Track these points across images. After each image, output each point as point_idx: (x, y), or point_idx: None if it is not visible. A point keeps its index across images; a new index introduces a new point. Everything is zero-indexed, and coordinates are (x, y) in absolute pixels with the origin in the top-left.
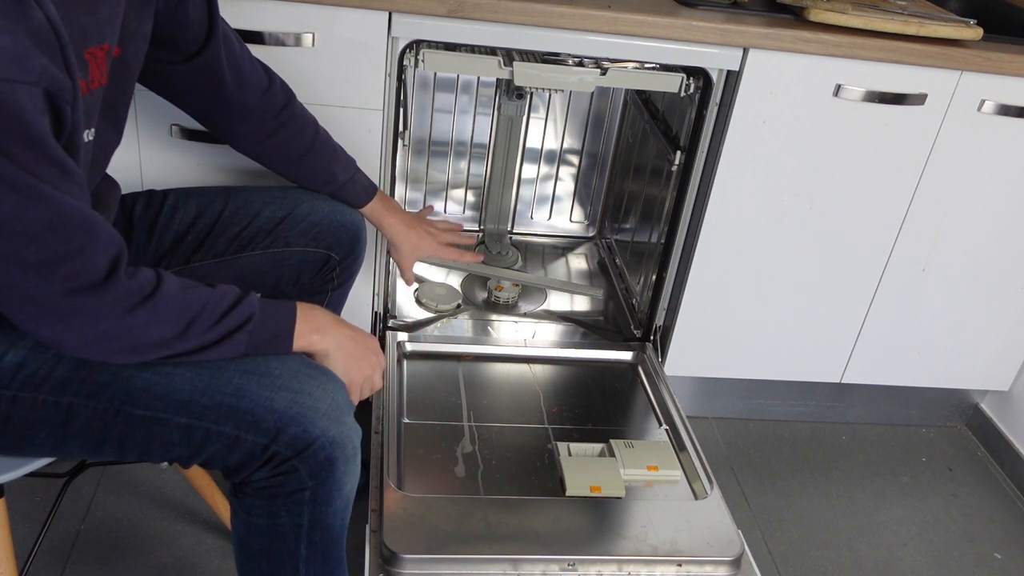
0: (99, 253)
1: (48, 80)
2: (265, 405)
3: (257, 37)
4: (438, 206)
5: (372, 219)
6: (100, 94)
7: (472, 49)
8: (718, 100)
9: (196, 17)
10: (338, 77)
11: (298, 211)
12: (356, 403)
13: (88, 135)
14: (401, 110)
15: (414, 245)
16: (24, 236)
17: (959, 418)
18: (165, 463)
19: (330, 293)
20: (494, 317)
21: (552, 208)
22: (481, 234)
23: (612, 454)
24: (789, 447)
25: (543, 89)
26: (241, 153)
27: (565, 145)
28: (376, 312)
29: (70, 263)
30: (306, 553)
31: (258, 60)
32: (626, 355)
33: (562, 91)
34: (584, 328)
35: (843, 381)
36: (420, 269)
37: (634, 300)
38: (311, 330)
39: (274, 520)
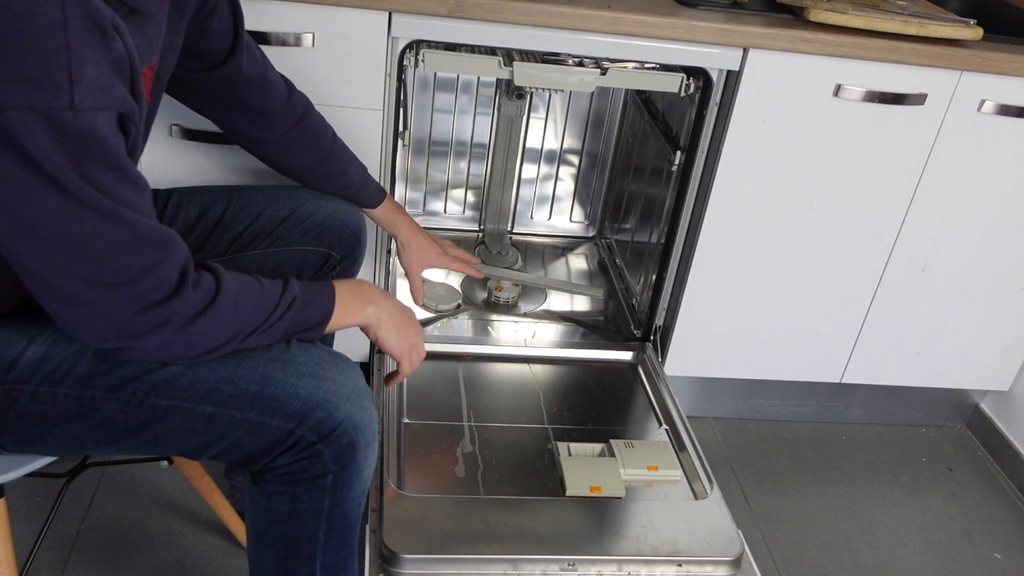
0: (172, 267)
1: (123, 104)
2: (291, 391)
3: (258, 37)
4: (438, 206)
5: (384, 220)
6: (146, 109)
7: (472, 49)
8: (718, 100)
9: (221, 28)
10: (338, 77)
11: (301, 210)
12: (408, 372)
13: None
14: (401, 110)
15: (422, 247)
16: (102, 256)
17: (959, 418)
18: (165, 462)
19: None
20: (494, 317)
21: (552, 208)
22: (481, 234)
23: (612, 454)
24: (789, 447)
25: (543, 89)
26: (261, 161)
27: (565, 145)
28: None
29: (145, 280)
30: (324, 539)
31: (274, 74)
32: (626, 355)
33: (562, 91)
34: (584, 328)
35: (843, 381)
36: None
37: (634, 300)
38: (365, 302)
39: (295, 506)
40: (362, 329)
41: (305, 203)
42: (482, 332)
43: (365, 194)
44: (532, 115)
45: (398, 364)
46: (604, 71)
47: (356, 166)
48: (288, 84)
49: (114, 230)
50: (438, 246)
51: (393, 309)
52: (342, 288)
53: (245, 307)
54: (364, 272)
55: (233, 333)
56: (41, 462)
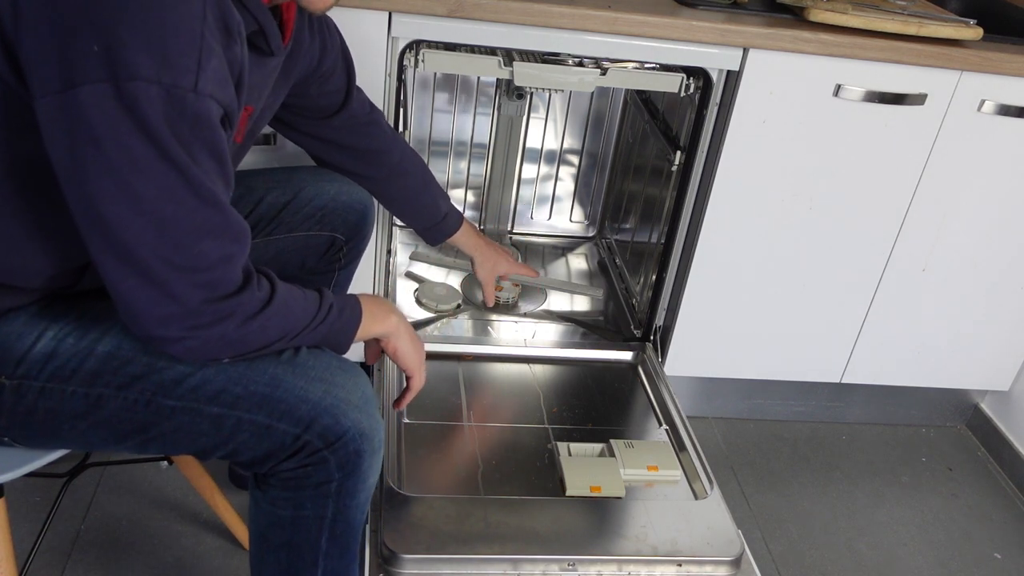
0: (242, 262)
1: (230, 104)
2: (300, 395)
3: None
4: None
5: (460, 241)
6: (234, 151)
7: (472, 49)
8: (718, 100)
9: (335, 87)
10: None
11: (302, 195)
12: (419, 387)
13: None
14: (401, 110)
15: (493, 260)
16: (190, 237)
17: (959, 418)
18: (165, 463)
19: (337, 273)
20: (494, 317)
21: (552, 208)
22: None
23: (612, 454)
24: (789, 447)
25: (543, 89)
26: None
27: (565, 145)
28: None
29: (219, 269)
30: (326, 546)
31: (379, 114)
32: (626, 355)
33: (562, 91)
34: (584, 328)
35: (843, 381)
36: (419, 269)
37: (634, 300)
38: (388, 311)
39: (298, 512)
40: (381, 340)
41: (307, 187)
42: (482, 332)
43: (453, 219)
44: (532, 115)
45: (409, 380)
46: (604, 71)
47: (444, 194)
48: (392, 141)
49: (207, 213)
50: (508, 257)
51: (406, 322)
52: (364, 298)
53: (294, 309)
54: (364, 274)
55: (283, 333)
56: (41, 462)
